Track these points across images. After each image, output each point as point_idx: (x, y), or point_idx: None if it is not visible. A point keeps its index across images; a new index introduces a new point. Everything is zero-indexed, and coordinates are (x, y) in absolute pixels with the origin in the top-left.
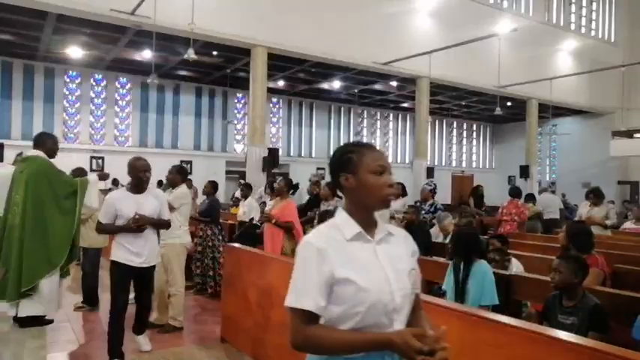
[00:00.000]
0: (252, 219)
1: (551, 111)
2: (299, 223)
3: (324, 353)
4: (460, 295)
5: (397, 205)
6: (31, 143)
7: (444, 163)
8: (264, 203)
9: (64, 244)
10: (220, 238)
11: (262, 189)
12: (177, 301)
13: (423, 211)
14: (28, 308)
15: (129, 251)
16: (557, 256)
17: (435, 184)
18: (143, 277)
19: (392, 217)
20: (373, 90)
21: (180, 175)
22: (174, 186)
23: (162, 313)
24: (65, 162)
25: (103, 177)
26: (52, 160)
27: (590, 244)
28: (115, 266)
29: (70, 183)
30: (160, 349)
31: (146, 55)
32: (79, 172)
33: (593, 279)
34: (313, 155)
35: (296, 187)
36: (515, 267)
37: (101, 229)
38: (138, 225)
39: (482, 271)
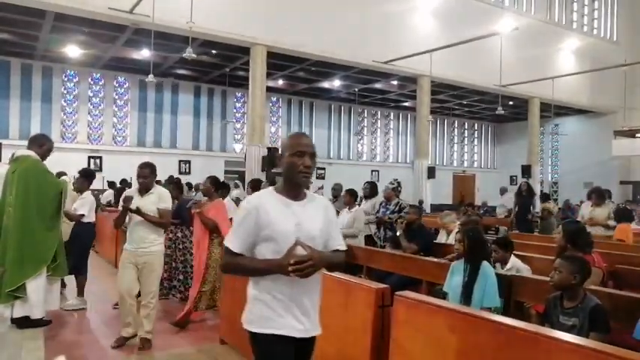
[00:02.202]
0: (230, 219)
1: (553, 110)
2: (227, 226)
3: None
4: (466, 296)
5: (366, 206)
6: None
7: (445, 163)
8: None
9: (51, 245)
10: (192, 240)
11: (240, 189)
12: (154, 313)
13: (388, 211)
14: (18, 309)
15: (285, 309)
16: (559, 255)
17: (398, 183)
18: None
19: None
20: (374, 89)
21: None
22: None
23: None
24: (63, 162)
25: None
26: (43, 160)
27: (589, 243)
28: (266, 344)
29: (57, 184)
30: (158, 352)
31: (144, 54)
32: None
33: (594, 278)
34: None
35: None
36: (515, 267)
37: (232, 264)
38: (302, 267)
39: (487, 273)
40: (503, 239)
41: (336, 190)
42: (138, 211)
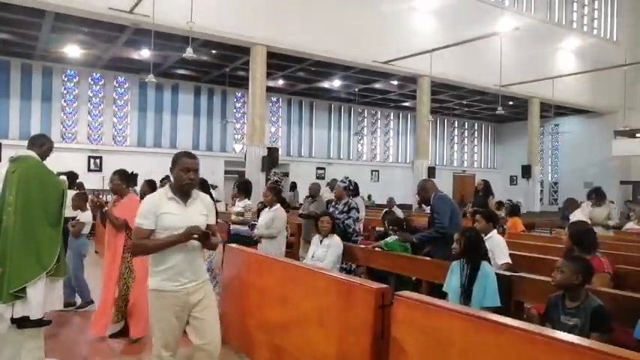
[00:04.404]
0: None
1: (553, 110)
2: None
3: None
4: (465, 296)
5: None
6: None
7: (445, 163)
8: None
9: (55, 246)
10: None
11: (216, 191)
12: None
13: (337, 211)
14: (18, 309)
15: None
16: (563, 256)
17: (350, 181)
18: None
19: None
20: (374, 89)
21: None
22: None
23: None
24: (63, 162)
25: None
26: (43, 161)
27: (593, 244)
28: None
29: (59, 185)
30: None
31: (144, 53)
32: (71, 177)
33: (603, 283)
34: (313, 155)
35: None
36: (493, 238)
37: None
38: None
39: (486, 272)
40: (488, 211)
41: (313, 189)
42: (207, 238)
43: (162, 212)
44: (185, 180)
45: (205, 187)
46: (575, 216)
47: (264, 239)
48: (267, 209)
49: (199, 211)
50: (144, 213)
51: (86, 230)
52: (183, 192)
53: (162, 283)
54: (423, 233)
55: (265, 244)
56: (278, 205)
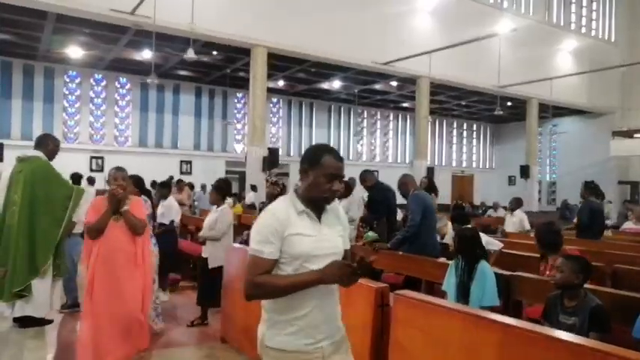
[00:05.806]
0: (172, 221)
1: (551, 111)
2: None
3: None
4: (463, 295)
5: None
6: (30, 143)
7: (444, 163)
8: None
9: (49, 247)
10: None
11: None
12: None
13: None
14: (21, 308)
15: None
16: (561, 255)
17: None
18: None
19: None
20: (373, 90)
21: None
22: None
23: None
24: (65, 162)
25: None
26: (51, 161)
27: (553, 244)
28: None
29: (67, 187)
30: (160, 350)
31: (146, 55)
32: (76, 178)
33: None
34: None
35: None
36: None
37: None
38: None
39: (485, 271)
40: (459, 215)
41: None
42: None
43: (291, 233)
44: (327, 192)
45: (142, 185)
46: (515, 215)
47: (208, 241)
48: (214, 208)
49: (337, 231)
50: (264, 234)
51: (78, 229)
52: (319, 205)
53: (290, 340)
54: (396, 236)
55: (209, 247)
56: (225, 205)
